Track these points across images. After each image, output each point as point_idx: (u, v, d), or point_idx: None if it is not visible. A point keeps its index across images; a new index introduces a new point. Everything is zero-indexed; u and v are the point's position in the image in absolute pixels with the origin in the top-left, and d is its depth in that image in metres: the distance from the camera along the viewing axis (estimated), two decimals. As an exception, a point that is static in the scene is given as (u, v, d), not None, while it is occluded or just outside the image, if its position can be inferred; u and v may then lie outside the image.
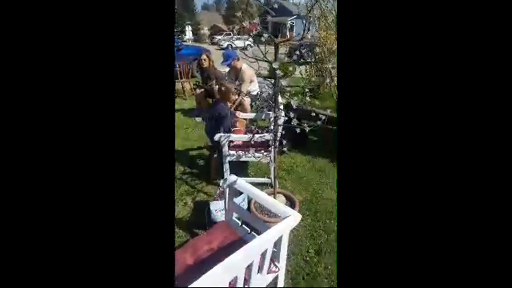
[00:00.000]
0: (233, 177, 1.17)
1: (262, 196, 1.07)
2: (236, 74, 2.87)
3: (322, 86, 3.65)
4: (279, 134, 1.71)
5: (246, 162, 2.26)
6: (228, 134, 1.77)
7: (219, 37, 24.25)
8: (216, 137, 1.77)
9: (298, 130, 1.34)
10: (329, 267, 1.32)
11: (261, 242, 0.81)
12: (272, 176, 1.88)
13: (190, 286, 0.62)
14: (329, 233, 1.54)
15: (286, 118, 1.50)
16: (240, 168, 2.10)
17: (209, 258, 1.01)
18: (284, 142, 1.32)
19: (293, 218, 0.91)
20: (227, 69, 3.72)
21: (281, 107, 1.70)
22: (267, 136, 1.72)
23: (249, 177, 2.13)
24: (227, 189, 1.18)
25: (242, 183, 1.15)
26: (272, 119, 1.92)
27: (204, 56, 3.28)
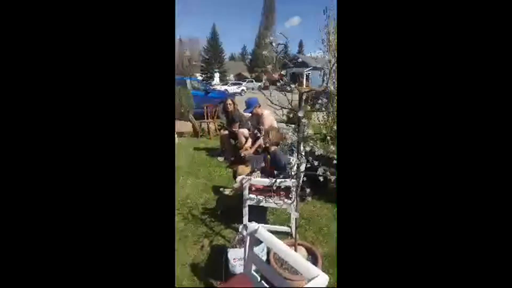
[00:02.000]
0: (254, 225, 1.14)
1: (284, 250, 1.02)
2: (257, 120, 3.03)
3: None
4: (301, 181, 1.70)
5: (265, 208, 2.22)
6: (249, 178, 1.79)
7: (243, 83, 26.66)
8: (238, 178, 1.79)
9: (321, 179, 1.33)
10: None
11: None
12: (293, 226, 1.81)
13: None
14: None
15: (309, 165, 1.51)
16: (260, 214, 2.05)
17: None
18: (308, 190, 1.30)
19: (321, 280, 0.85)
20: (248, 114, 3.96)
21: (303, 153, 1.73)
22: (289, 182, 1.72)
23: (268, 224, 2.06)
24: (248, 238, 1.15)
25: (263, 232, 1.12)
26: (294, 165, 1.94)
27: (229, 101, 3.55)
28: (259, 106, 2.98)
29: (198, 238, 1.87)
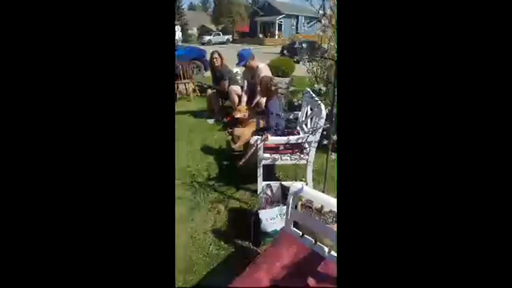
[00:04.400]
0: (298, 185, 1.07)
1: (330, 201, 0.98)
2: (252, 74, 2.76)
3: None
4: (318, 135, 1.63)
5: (274, 166, 2.17)
6: (265, 137, 1.67)
7: (208, 37, 23.98)
8: (253, 139, 1.67)
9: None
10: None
11: None
12: (309, 179, 1.79)
13: None
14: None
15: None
16: (268, 172, 2.00)
17: (287, 278, 0.91)
18: (334, 138, 1.23)
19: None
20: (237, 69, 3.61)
21: (322, 107, 1.62)
22: (310, 138, 1.64)
23: (279, 180, 2.03)
24: (291, 197, 1.09)
25: (308, 190, 1.06)
26: (312, 119, 1.83)
27: (215, 55, 3.14)
28: (253, 58, 2.68)
29: (212, 204, 1.80)
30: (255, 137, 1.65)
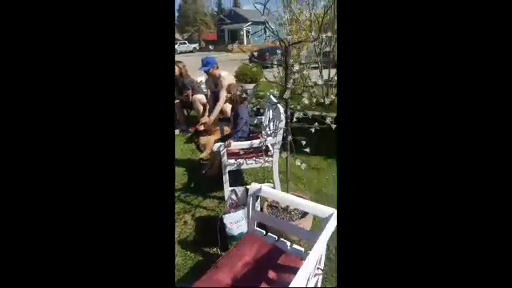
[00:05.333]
0: (256, 185, 1.11)
1: (293, 200, 1.04)
2: (215, 82, 2.79)
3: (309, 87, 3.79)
4: (280, 137, 1.70)
5: (241, 171, 2.20)
6: (227, 143, 1.70)
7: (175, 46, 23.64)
8: (215, 146, 1.68)
9: (313, 130, 1.35)
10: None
11: (315, 255, 0.76)
12: (276, 181, 1.85)
13: None
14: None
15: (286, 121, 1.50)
16: (235, 177, 2.03)
17: (248, 275, 0.94)
18: (304, 142, 1.31)
19: (334, 217, 0.90)
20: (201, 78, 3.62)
21: (281, 111, 1.70)
22: (270, 140, 1.70)
23: (248, 184, 2.07)
24: (251, 198, 1.12)
25: (267, 189, 1.10)
26: (269, 123, 1.91)
27: (178, 65, 3.11)
28: (217, 67, 2.71)
29: (178, 215, 1.77)
30: (217, 144, 1.67)
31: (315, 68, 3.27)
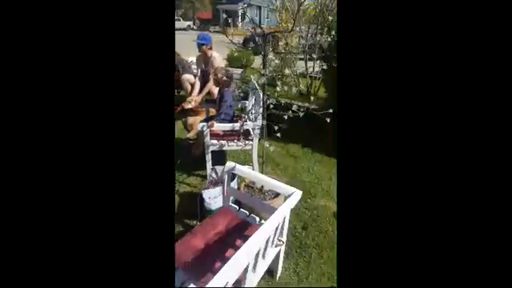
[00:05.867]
0: (231, 164, 1.22)
1: (261, 178, 1.16)
2: (205, 61, 2.81)
3: (285, 76, 3.85)
4: (259, 122, 1.80)
5: (224, 152, 2.30)
6: (210, 123, 1.78)
7: (167, 22, 22.66)
8: (199, 126, 1.76)
9: (286, 117, 1.45)
10: (315, 238, 1.51)
11: (270, 226, 0.87)
12: (255, 164, 1.97)
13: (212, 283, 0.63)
14: (311, 210, 1.73)
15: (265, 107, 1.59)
16: (218, 158, 2.13)
17: (219, 241, 1.07)
18: (276, 128, 1.41)
19: (295, 196, 1.03)
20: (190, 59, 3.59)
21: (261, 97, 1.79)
22: (250, 125, 1.80)
23: (229, 166, 2.18)
24: (225, 175, 1.23)
25: (240, 167, 1.21)
26: (252, 108, 2.00)
27: (167, 43, 3.08)
28: (211, 47, 2.71)
29: (162, 189, 1.87)
30: (201, 124, 1.75)
31: (301, 59, 3.33)
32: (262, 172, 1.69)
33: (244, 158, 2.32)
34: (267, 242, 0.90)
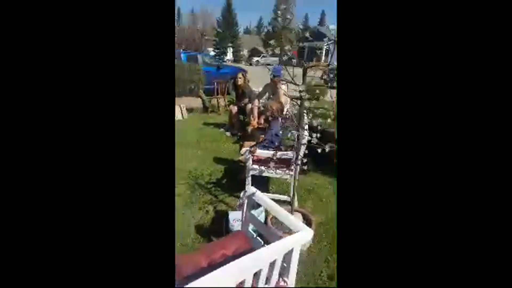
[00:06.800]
0: (252, 189, 1.23)
1: (277, 209, 1.11)
2: (273, 90, 3.02)
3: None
4: (301, 153, 1.76)
5: (268, 178, 2.32)
6: (251, 149, 1.86)
7: (256, 58, 25.75)
8: (243, 151, 1.87)
9: (319, 150, 1.38)
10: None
11: (270, 251, 0.84)
12: (291, 193, 1.89)
13: (193, 284, 0.61)
14: (346, 260, 1.49)
15: (310, 138, 1.55)
16: (262, 183, 2.16)
17: (221, 262, 1.06)
18: (305, 160, 1.36)
19: (305, 233, 0.94)
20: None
21: (306, 127, 1.76)
22: (290, 154, 1.78)
23: (269, 192, 2.17)
24: (246, 200, 1.25)
25: (260, 195, 1.20)
26: (295, 138, 1.98)
27: (239, 75, 3.53)
28: (280, 80, 2.95)
29: (203, 204, 2.02)
30: (244, 149, 1.85)
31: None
32: (302, 206, 1.60)
33: (286, 187, 2.26)
34: (256, 274, 0.84)
